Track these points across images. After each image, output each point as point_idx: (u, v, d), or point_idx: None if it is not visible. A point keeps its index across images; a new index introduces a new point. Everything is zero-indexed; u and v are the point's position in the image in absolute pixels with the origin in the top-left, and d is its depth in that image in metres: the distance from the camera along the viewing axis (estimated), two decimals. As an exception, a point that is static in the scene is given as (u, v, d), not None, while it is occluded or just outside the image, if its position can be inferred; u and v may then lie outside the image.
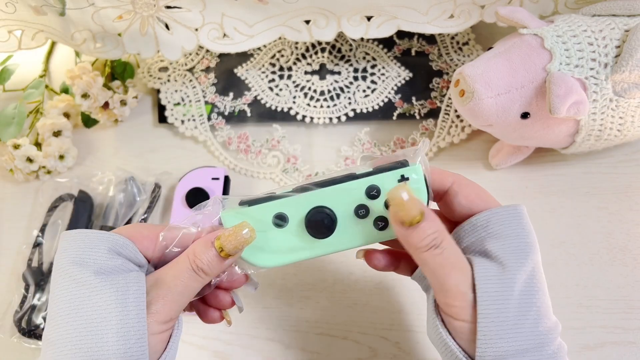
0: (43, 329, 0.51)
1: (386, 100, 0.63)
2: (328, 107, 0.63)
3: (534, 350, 0.32)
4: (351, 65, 0.65)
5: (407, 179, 0.35)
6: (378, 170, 0.35)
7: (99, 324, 0.30)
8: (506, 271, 0.33)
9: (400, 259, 0.40)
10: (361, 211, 0.35)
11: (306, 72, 0.65)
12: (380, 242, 0.37)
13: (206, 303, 0.38)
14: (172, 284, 0.32)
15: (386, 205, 0.35)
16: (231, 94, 0.64)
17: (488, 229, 0.34)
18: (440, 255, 0.32)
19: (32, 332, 0.51)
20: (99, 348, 0.29)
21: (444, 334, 0.33)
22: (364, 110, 0.62)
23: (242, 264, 0.36)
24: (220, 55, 0.67)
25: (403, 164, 0.35)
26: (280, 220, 0.35)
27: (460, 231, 0.36)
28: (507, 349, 0.31)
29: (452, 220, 0.38)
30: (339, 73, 0.65)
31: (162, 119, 0.64)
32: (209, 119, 0.63)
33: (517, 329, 0.32)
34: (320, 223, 0.35)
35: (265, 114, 0.63)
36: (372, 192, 0.35)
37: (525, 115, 0.48)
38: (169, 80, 0.65)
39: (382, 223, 0.35)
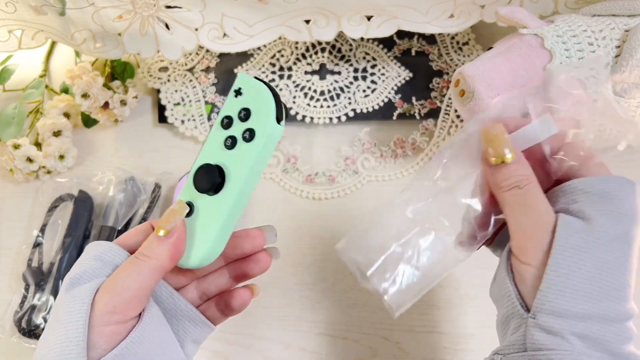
0: (43, 329, 0.51)
1: (386, 100, 0.63)
2: (328, 107, 0.63)
3: (597, 319, 0.29)
4: (351, 65, 0.65)
5: (239, 90, 0.35)
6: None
7: (52, 329, 0.31)
8: (595, 230, 0.30)
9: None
10: (227, 141, 0.34)
11: (306, 72, 0.65)
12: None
13: (226, 304, 0.38)
14: (115, 275, 0.32)
15: None
16: (231, 94, 0.64)
17: (590, 194, 0.32)
18: (521, 195, 0.32)
19: (32, 332, 0.51)
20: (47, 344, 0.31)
21: (508, 279, 0.32)
22: (364, 110, 0.62)
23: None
24: (220, 55, 0.67)
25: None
26: (190, 209, 0.34)
27: (557, 191, 0.34)
28: (566, 308, 0.29)
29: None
30: (339, 73, 0.65)
31: (162, 119, 0.64)
32: (209, 119, 0.63)
33: (586, 291, 0.30)
34: (204, 177, 0.34)
35: (265, 114, 0.63)
36: (226, 121, 0.35)
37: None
38: (169, 80, 0.65)
39: (247, 134, 0.34)
